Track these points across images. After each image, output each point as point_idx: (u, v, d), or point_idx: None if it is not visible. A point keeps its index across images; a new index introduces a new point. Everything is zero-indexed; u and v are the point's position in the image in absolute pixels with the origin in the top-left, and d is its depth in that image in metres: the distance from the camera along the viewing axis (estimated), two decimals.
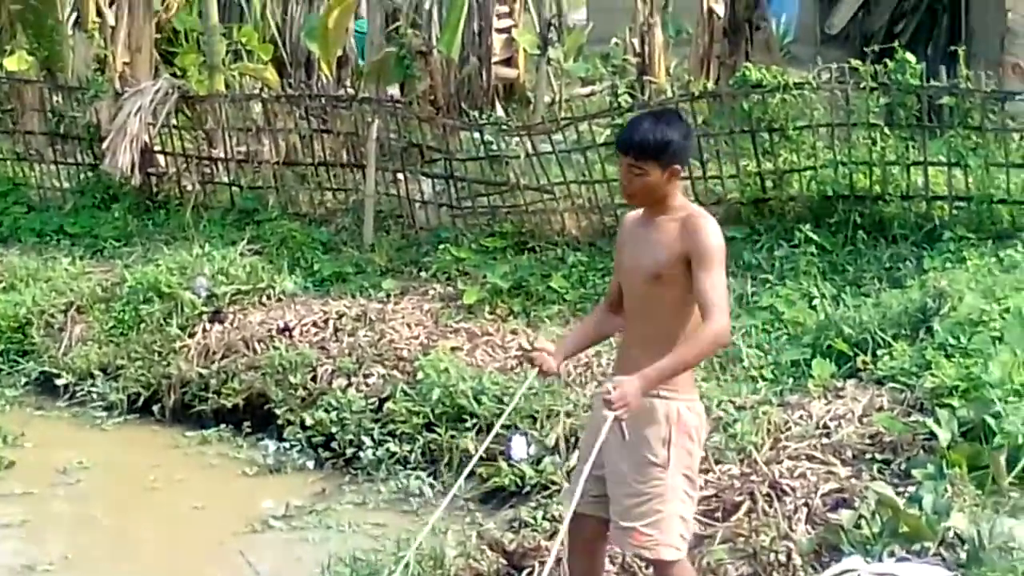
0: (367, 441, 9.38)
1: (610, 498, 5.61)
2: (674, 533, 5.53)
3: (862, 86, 10.70)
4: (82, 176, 14.65)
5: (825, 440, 7.65)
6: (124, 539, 8.81)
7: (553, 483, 8.18)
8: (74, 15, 16.19)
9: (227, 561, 8.10)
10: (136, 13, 15.21)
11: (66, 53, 15.44)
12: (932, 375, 7.93)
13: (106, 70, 15.51)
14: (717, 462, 7.57)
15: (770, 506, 6.95)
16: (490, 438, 6.41)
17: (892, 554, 6.02)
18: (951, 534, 6.17)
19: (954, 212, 10.45)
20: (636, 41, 16.74)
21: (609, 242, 11.41)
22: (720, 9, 15.47)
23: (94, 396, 10.87)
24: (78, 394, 10.95)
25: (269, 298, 11.40)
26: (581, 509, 5.79)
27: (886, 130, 10.67)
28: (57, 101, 15.05)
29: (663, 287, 5.48)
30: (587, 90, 17.73)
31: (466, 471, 6.51)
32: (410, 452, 9.19)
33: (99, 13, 16.35)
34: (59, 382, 11.07)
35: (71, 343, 11.44)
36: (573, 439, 8.53)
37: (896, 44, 11.09)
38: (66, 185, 14.71)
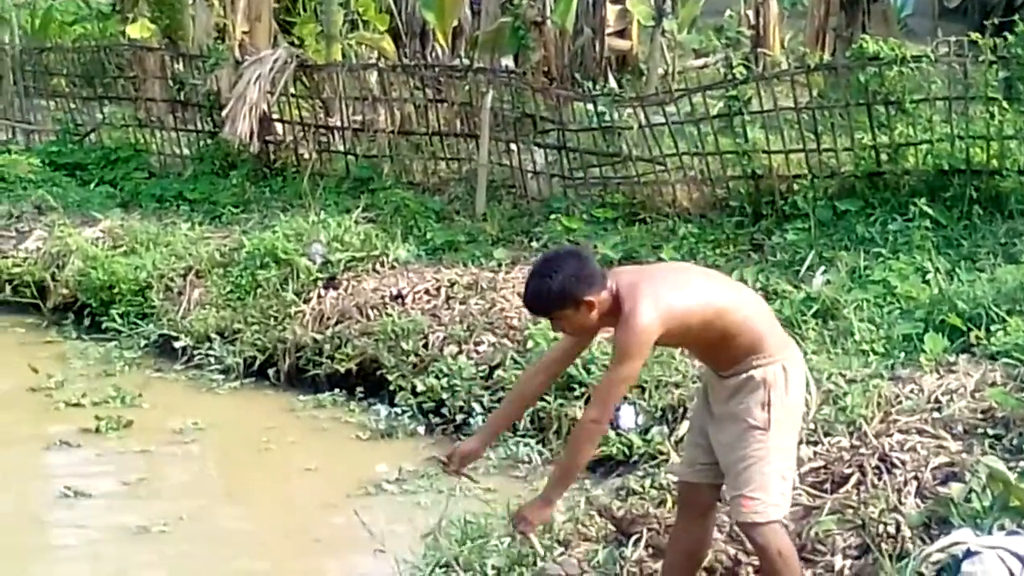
0: (477, 408, 9.46)
1: (721, 466, 5.68)
2: (776, 491, 5.60)
3: (980, 59, 10.57)
4: (201, 143, 14.92)
5: (936, 414, 7.59)
6: (238, 499, 9.02)
7: (661, 453, 8.21)
8: None
9: (341, 521, 8.24)
10: None
11: (187, 21, 15.72)
12: None
13: (226, 39, 15.76)
14: (826, 434, 7.55)
15: (879, 479, 6.92)
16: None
17: (1002, 528, 5.97)
18: None
19: None
20: (751, 13, 16.73)
21: (720, 214, 11.44)
22: None
23: (211, 359, 11.04)
24: (195, 357, 11.13)
25: (382, 265, 11.50)
26: (693, 478, 5.88)
27: (1004, 104, 10.53)
28: (178, 69, 15.34)
29: (675, 342, 5.97)
30: (700, 62, 17.70)
31: None
32: (519, 419, 9.25)
33: None
34: (177, 345, 11.27)
35: (189, 307, 11.65)
36: (681, 409, 8.56)
37: (1016, 17, 10.93)
38: (186, 152, 15.00)
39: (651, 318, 5.40)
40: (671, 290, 5.53)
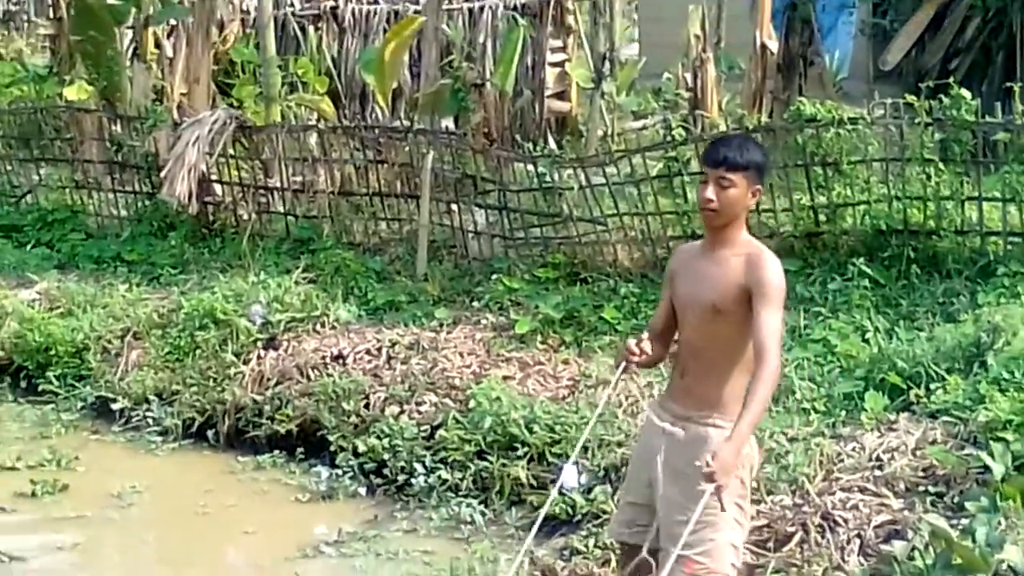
0: (419, 468, 9.42)
1: (662, 527, 5.63)
2: (726, 561, 5.57)
3: (916, 121, 10.69)
4: (139, 204, 14.84)
5: (878, 472, 7.65)
6: (176, 564, 8.87)
7: (604, 512, 8.19)
8: (133, 46, 16.39)
9: None
10: (194, 45, 15.39)
11: (125, 83, 15.64)
12: (986, 409, 7.91)
13: (164, 100, 15.70)
14: (769, 492, 7.57)
15: (822, 537, 6.95)
16: (563, 467, 6.43)
17: None
18: (1004, 567, 6.15)
19: (1008, 247, 10.41)
20: (688, 76, 16.81)
21: (660, 273, 11.37)
22: (773, 46, 15.53)
23: (149, 421, 10.94)
24: (133, 419, 11.03)
25: (323, 326, 11.45)
26: (630, 539, 5.84)
27: (940, 165, 10.63)
28: (116, 130, 15.27)
29: (720, 321, 5.60)
30: (639, 124, 17.78)
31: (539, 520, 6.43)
32: (461, 480, 9.22)
33: (157, 44, 16.57)
34: (115, 407, 11.15)
35: (127, 368, 11.54)
36: (624, 468, 8.52)
37: (950, 80, 11.08)
38: (124, 213, 14.91)
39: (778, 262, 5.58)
40: None
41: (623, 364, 5.81)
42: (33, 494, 9.66)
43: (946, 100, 10.64)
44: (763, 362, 5.39)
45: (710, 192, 5.60)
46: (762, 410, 5.49)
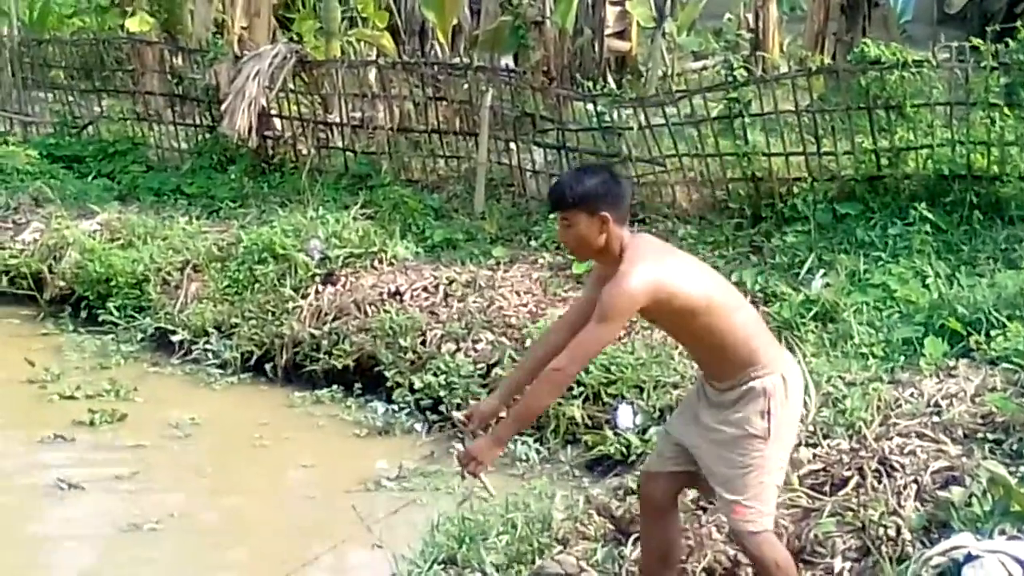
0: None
1: (712, 472, 5.65)
2: (772, 503, 5.60)
3: (982, 65, 10.55)
4: (200, 137, 14.91)
5: (936, 418, 7.59)
6: (232, 494, 8.98)
7: None
8: None
9: (338, 517, 8.19)
10: None
11: (186, 16, 15.71)
12: None
13: (225, 33, 15.74)
14: (826, 436, 7.54)
15: (879, 482, 6.91)
16: None
17: (1003, 532, 5.96)
18: None
19: None
20: (750, 16, 16.71)
21: (719, 215, 11.43)
22: None
23: (208, 354, 11.03)
24: (192, 351, 11.12)
25: (381, 262, 11.50)
26: (656, 467, 5.88)
27: (1005, 110, 10.52)
28: (177, 63, 15.34)
29: (665, 324, 5.82)
30: (699, 64, 17.68)
31: None
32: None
33: None
34: (174, 339, 11.26)
35: (187, 301, 11.63)
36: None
37: (1017, 24, 10.94)
38: (184, 146, 14.98)
39: (640, 283, 5.40)
40: (670, 268, 5.53)
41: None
42: (92, 423, 9.76)
43: (1012, 43, 10.50)
44: (559, 361, 5.48)
45: (559, 235, 5.73)
46: (527, 409, 5.63)
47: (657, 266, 5.47)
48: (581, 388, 9.12)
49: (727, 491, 5.58)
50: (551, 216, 5.79)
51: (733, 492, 5.55)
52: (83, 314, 12.08)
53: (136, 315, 11.72)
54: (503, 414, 5.94)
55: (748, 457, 5.51)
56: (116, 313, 11.75)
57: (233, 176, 13.98)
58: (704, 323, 5.53)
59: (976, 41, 10.74)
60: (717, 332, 5.54)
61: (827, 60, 12.80)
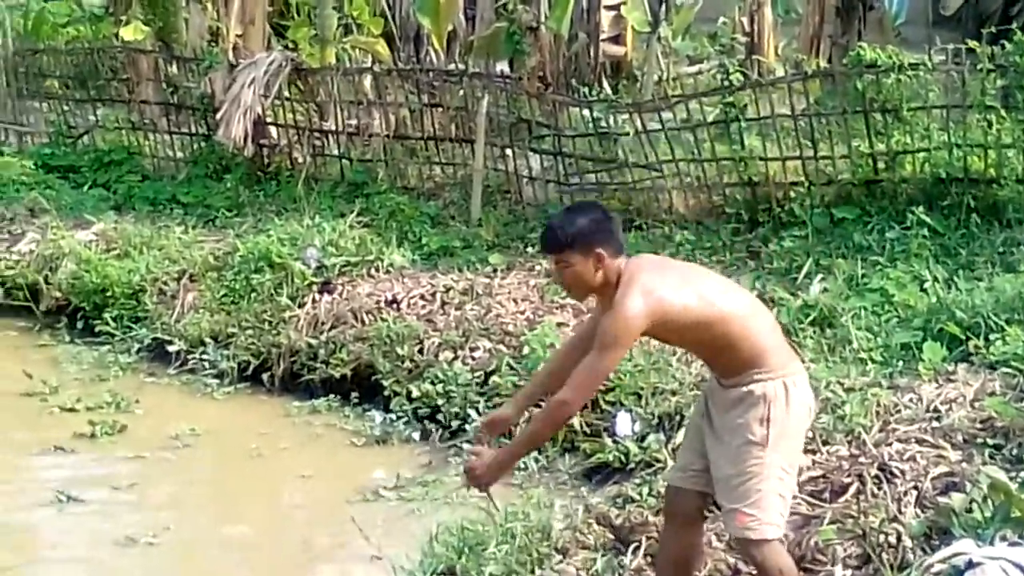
0: (472, 414, 9.42)
1: (715, 480, 5.64)
2: (775, 511, 5.57)
3: (978, 68, 10.55)
4: (195, 146, 14.89)
5: (935, 424, 7.57)
6: (232, 506, 8.97)
7: (657, 460, 8.17)
8: None
9: (336, 528, 8.19)
10: None
11: (180, 24, 15.70)
12: None
13: (219, 41, 15.73)
14: (825, 443, 7.52)
15: (879, 488, 6.89)
16: None
17: (1004, 538, 5.94)
18: None
19: None
20: (745, 20, 16.67)
21: (716, 220, 11.41)
22: None
23: (205, 364, 11.00)
24: (189, 361, 11.09)
25: (377, 270, 11.48)
26: (681, 483, 5.86)
27: (1002, 113, 10.52)
28: (172, 71, 15.33)
29: (675, 339, 5.88)
30: (694, 69, 17.64)
31: None
32: (515, 426, 9.20)
33: None
34: (171, 349, 11.23)
35: (183, 310, 11.60)
36: (678, 417, 8.53)
37: (1012, 26, 10.93)
38: (179, 155, 14.96)
39: (638, 309, 5.40)
40: (669, 285, 5.51)
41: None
42: (92, 435, 9.74)
43: (1008, 46, 10.51)
44: (558, 395, 5.52)
45: (554, 277, 5.78)
46: (531, 439, 5.75)
47: (655, 288, 5.46)
48: None
49: (728, 500, 5.59)
50: (545, 258, 5.78)
51: (733, 500, 5.55)
52: (80, 325, 12.06)
53: (133, 326, 11.70)
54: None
55: (747, 464, 5.51)
56: (113, 324, 11.72)
57: (229, 185, 13.96)
58: (715, 333, 5.54)
59: (972, 43, 10.75)
60: (723, 337, 5.54)
61: (823, 63, 12.79)
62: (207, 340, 11.16)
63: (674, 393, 8.81)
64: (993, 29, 11.17)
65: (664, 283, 5.51)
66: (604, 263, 5.52)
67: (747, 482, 5.51)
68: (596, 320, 5.82)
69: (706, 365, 5.87)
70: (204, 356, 11.06)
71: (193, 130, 14.95)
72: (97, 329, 11.80)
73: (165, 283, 11.94)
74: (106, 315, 11.81)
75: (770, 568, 5.61)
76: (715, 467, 5.64)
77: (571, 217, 5.63)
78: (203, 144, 14.73)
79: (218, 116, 13.85)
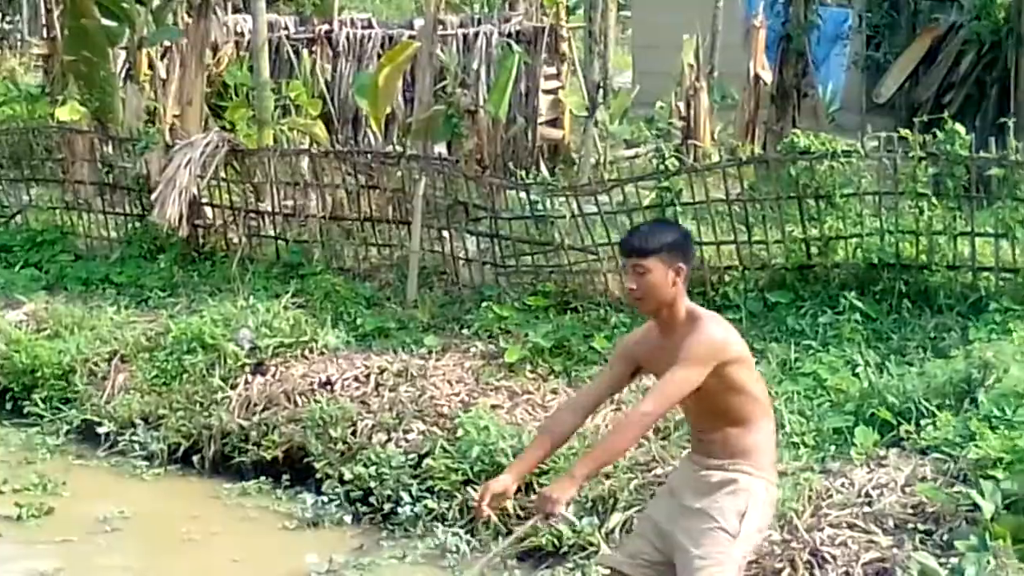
0: (405, 497, 9.37)
1: (675, 557, 5.64)
2: None
3: (910, 155, 10.68)
4: (129, 226, 14.78)
5: (867, 509, 7.61)
6: None
7: (591, 544, 8.16)
8: (126, 67, 16.40)
9: None
10: (188, 67, 15.41)
11: (117, 104, 15.63)
12: (976, 446, 7.87)
13: (156, 122, 15.69)
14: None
15: (810, 574, 6.91)
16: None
17: None
18: None
19: (1000, 283, 10.39)
20: (682, 105, 16.85)
21: None
22: (767, 76, 15.58)
23: (135, 446, 10.88)
24: (119, 443, 10.97)
25: (311, 351, 11.40)
26: (630, 571, 5.82)
27: (933, 200, 10.63)
28: (107, 151, 15.24)
29: (701, 395, 5.67)
30: (631, 152, 17.82)
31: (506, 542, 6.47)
32: (448, 509, 9.18)
33: (151, 66, 16.59)
34: (101, 430, 11.10)
35: (114, 392, 11.47)
36: (611, 500, 8.52)
37: (944, 115, 11.08)
38: (113, 235, 14.85)
39: (724, 337, 5.61)
40: (738, 337, 5.74)
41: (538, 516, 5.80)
42: (18, 517, 9.61)
43: (940, 134, 10.64)
44: (636, 408, 5.61)
45: (630, 282, 5.71)
46: (612, 446, 5.69)
47: (731, 330, 5.68)
48: None
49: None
50: (622, 264, 5.77)
51: None
52: (8, 406, 11.90)
53: (62, 407, 11.55)
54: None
55: (714, 549, 5.55)
56: (42, 405, 11.57)
57: (163, 265, 13.86)
58: (746, 407, 5.66)
59: (904, 131, 10.88)
60: (748, 415, 5.66)
61: (758, 149, 12.91)
62: (137, 421, 11.05)
63: (608, 476, 8.77)
64: (925, 117, 11.34)
65: (735, 334, 5.72)
66: (681, 278, 5.63)
67: (710, 567, 5.54)
68: (602, 385, 5.95)
69: (705, 437, 5.79)
70: (134, 437, 10.94)
71: (128, 210, 14.85)
72: (26, 410, 11.65)
73: (96, 364, 11.81)
74: (35, 396, 11.67)
75: None
76: (678, 542, 5.66)
77: (661, 227, 5.87)
78: (137, 224, 14.65)
79: (153, 196, 13.78)
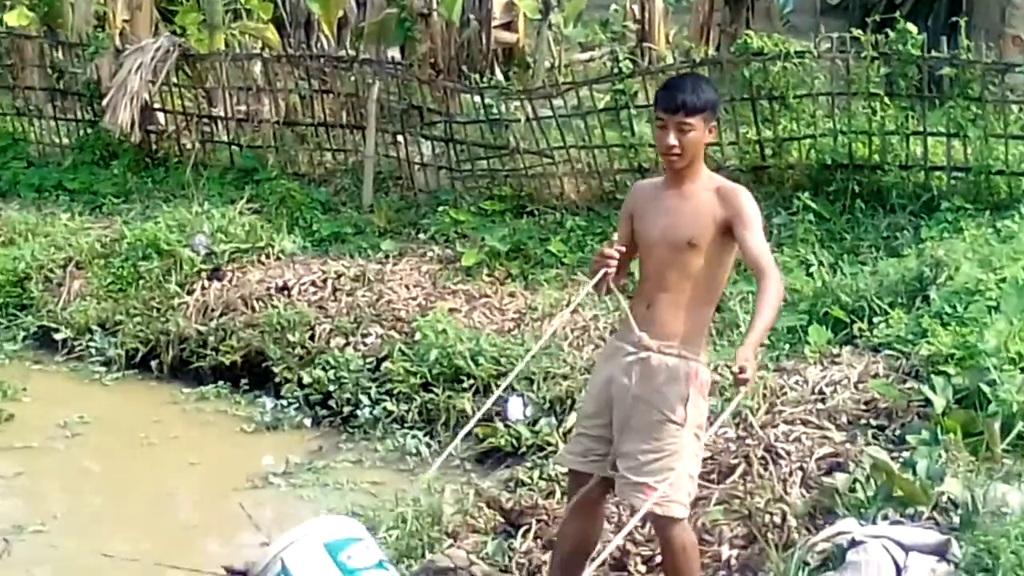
0: (364, 400, 9.45)
1: (621, 454, 5.66)
2: (683, 490, 5.62)
3: (863, 56, 10.71)
4: (82, 132, 14.66)
5: (820, 405, 7.70)
6: (121, 495, 8.82)
7: (549, 444, 8.25)
8: None
9: (226, 515, 8.15)
10: None
11: (66, 9, 15.48)
12: (928, 343, 7.97)
13: (106, 27, 15.51)
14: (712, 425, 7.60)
15: (765, 469, 7.01)
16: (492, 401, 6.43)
17: (886, 517, 6.06)
18: (944, 499, 6.21)
19: (952, 182, 10.48)
20: (636, 8, 16.77)
21: (607, 207, 11.46)
22: None
23: (92, 351, 10.92)
24: (76, 349, 11.00)
25: (268, 257, 11.43)
26: (584, 468, 5.86)
27: (886, 100, 10.68)
28: (57, 57, 15.07)
29: (694, 255, 5.63)
30: (586, 56, 17.71)
31: (463, 432, 6.51)
32: (407, 411, 9.25)
33: None
34: (58, 337, 11.12)
35: (70, 298, 11.47)
36: (569, 401, 8.60)
37: (896, 15, 11.10)
38: (65, 141, 14.73)
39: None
40: None
41: (602, 272, 5.69)
42: None
43: (892, 34, 10.67)
44: (766, 275, 5.49)
45: (672, 139, 5.61)
46: (774, 315, 5.55)
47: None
48: (471, 380, 9.14)
49: (636, 473, 5.58)
50: (660, 118, 5.67)
51: (643, 474, 5.56)
52: None
53: (18, 313, 11.55)
54: None
55: (663, 442, 5.55)
56: None
57: (116, 171, 13.77)
58: (723, 277, 5.74)
59: (857, 32, 10.90)
60: (715, 291, 5.75)
61: (712, 51, 12.90)
62: (94, 327, 11.06)
63: (565, 378, 8.87)
64: (878, 18, 11.32)
65: None
66: (710, 137, 5.74)
67: (661, 459, 5.55)
68: (626, 236, 5.85)
69: (656, 313, 5.66)
70: (92, 343, 10.96)
71: (79, 116, 14.72)
72: None
73: (51, 270, 11.80)
74: None
75: (676, 546, 5.67)
76: (626, 440, 5.65)
77: (705, 85, 5.76)
78: (89, 130, 14.52)
79: (104, 102, 13.67)
